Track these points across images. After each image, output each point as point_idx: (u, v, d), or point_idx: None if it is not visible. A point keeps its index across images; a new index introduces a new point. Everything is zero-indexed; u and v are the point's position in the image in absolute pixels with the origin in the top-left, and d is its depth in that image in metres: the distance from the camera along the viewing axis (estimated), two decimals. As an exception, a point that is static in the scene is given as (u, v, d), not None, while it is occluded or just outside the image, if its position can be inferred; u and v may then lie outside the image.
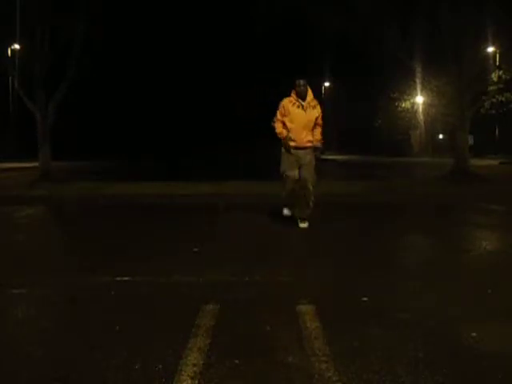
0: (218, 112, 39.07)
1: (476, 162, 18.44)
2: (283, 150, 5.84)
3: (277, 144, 5.98)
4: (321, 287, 3.44)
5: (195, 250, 4.61)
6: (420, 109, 25.46)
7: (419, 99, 24.32)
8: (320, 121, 5.88)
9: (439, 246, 5.06)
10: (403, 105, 25.41)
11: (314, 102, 5.81)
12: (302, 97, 5.72)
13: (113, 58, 17.49)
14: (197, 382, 2.08)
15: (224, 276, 3.71)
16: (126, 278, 3.65)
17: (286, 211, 5.96)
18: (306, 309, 2.95)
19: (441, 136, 42.67)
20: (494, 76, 14.12)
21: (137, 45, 23.95)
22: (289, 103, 5.76)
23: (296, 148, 5.76)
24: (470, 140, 18.23)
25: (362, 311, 2.93)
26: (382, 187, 10.97)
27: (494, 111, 18.65)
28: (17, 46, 13.66)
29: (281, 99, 5.90)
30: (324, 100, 44.64)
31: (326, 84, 44.44)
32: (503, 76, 14.21)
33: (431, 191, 10.31)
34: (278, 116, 5.79)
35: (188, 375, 2.13)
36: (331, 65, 37.15)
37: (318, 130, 5.89)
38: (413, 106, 25.66)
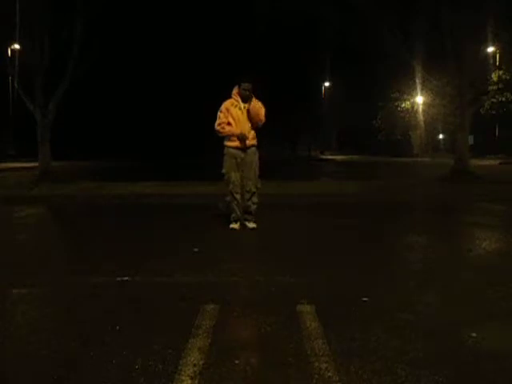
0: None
1: (476, 162, 18.46)
2: (226, 150, 5.73)
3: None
4: (321, 287, 3.44)
5: (195, 250, 4.61)
6: (420, 109, 25.47)
7: (419, 99, 24.34)
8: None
9: (439, 246, 5.06)
10: (403, 105, 25.44)
11: (257, 104, 5.68)
12: (244, 99, 5.64)
13: (113, 58, 17.50)
14: (197, 381, 2.08)
15: (224, 276, 3.72)
16: (125, 278, 3.65)
17: (232, 224, 5.74)
18: (305, 309, 2.95)
19: (441, 136, 42.68)
20: (494, 76, 14.15)
21: (136, 44, 23.97)
22: (230, 105, 5.67)
23: (237, 148, 5.67)
24: (470, 140, 18.25)
25: (362, 311, 2.93)
26: (381, 187, 10.97)
27: (493, 111, 18.66)
28: (17, 46, 13.66)
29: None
30: (324, 100, 44.76)
31: (326, 84, 44.47)
32: (503, 76, 14.24)
33: (431, 191, 10.31)
34: (223, 119, 5.65)
35: (188, 375, 2.13)
36: (331, 65, 37.15)
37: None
38: (413, 106, 25.67)
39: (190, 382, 2.08)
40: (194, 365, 2.22)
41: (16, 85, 12.77)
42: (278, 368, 2.20)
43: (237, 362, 2.26)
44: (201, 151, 34.21)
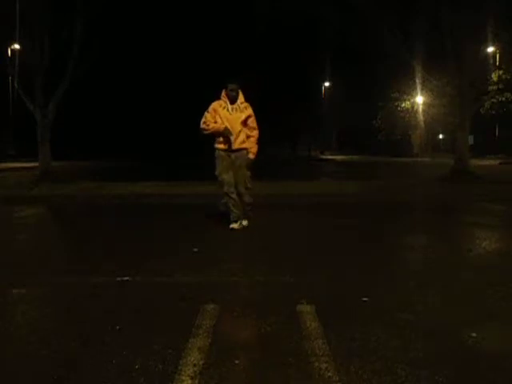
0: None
1: (476, 162, 18.45)
2: (216, 153, 5.73)
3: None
4: (321, 287, 3.44)
5: (195, 250, 4.61)
6: (420, 109, 25.50)
7: (419, 99, 24.37)
8: (252, 124, 5.74)
9: (439, 246, 5.06)
10: (403, 105, 25.48)
11: (244, 105, 5.69)
12: (231, 100, 5.65)
13: (113, 58, 17.50)
14: (197, 381, 2.08)
15: (224, 276, 3.72)
16: (125, 278, 3.65)
17: (232, 224, 5.72)
18: (305, 309, 2.95)
19: (441, 136, 42.70)
20: (494, 76, 14.16)
21: (136, 45, 23.97)
22: (218, 106, 5.67)
23: (224, 150, 5.66)
24: (470, 140, 18.25)
25: (362, 311, 2.93)
26: (381, 187, 10.97)
27: (493, 111, 18.67)
28: (17, 46, 13.67)
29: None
30: (324, 100, 44.76)
31: (326, 84, 44.49)
32: (503, 76, 14.25)
33: (431, 191, 10.31)
34: (209, 118, 5.65)
35: (188, 375, 2.13)
36: (331, 65, 37.19)
37: (251, 139, 5.74)
38: (413, 106, 25.70)
39: (190, 381, 2.08)
40: (194, 365, 2.22)
41: (16, 85, 12.76)
42: (278, 368, 2.20)
43: (237, 362, 2.26)
44: (200, 151, 34.16)
